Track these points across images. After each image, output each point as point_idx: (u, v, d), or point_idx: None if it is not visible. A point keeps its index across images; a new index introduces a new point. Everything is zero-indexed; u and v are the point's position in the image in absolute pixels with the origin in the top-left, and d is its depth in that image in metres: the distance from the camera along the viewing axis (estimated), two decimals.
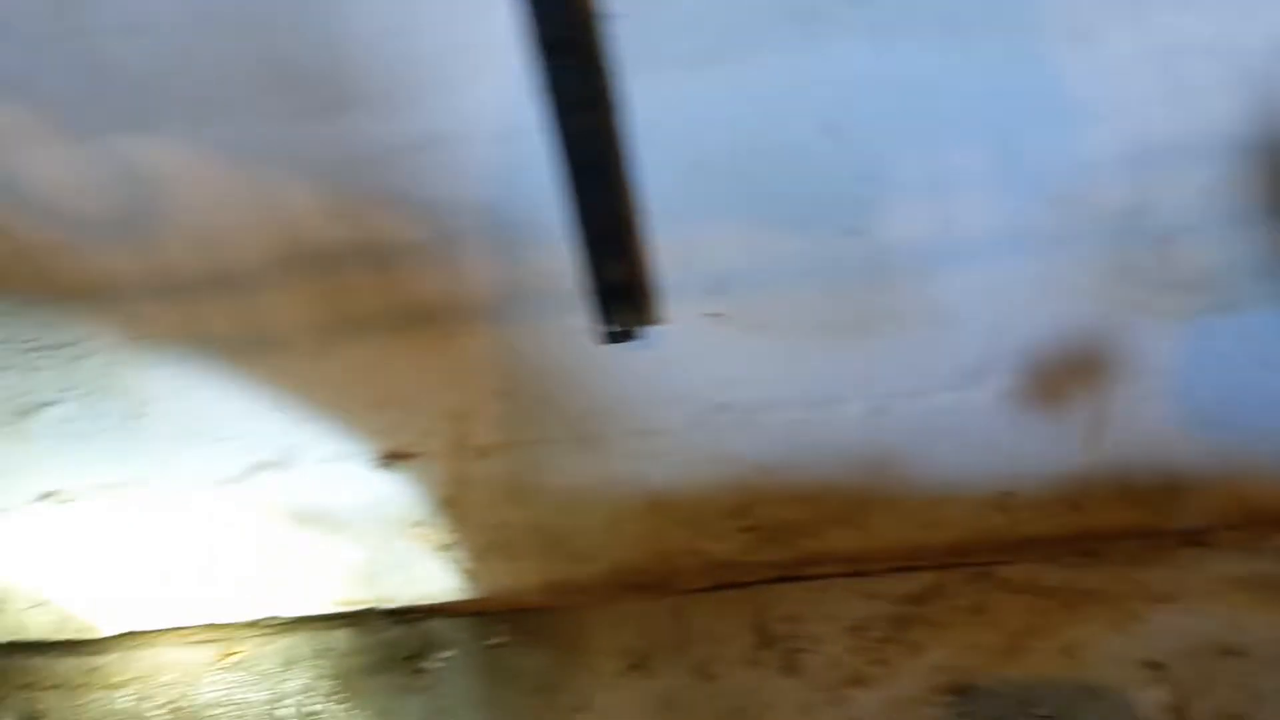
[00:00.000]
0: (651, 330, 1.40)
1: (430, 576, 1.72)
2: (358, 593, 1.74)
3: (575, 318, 1.39)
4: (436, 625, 1.72)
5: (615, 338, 1.38)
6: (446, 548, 1.68)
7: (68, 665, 1.75)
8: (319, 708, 1.63)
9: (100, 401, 1.49)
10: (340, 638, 1.72)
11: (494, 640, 1.69)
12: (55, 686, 1.72)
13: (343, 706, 1.63)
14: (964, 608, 1.62)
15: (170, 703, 1.67)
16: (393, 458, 1.57)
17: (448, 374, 1.47)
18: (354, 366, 1.46)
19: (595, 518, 1.64)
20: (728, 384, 1.48)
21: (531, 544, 1.67)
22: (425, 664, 1.67)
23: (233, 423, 1.51)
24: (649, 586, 1.70)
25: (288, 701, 1.65)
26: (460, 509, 1.63)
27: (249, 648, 1.73)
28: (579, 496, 1.62)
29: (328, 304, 1.39)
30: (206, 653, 1.73)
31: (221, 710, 1.65)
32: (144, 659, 1.74)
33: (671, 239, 1.33)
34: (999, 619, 1.60)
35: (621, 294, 1.35)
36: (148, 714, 1.67)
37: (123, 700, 1.69)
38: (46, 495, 1.60)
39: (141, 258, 1.35)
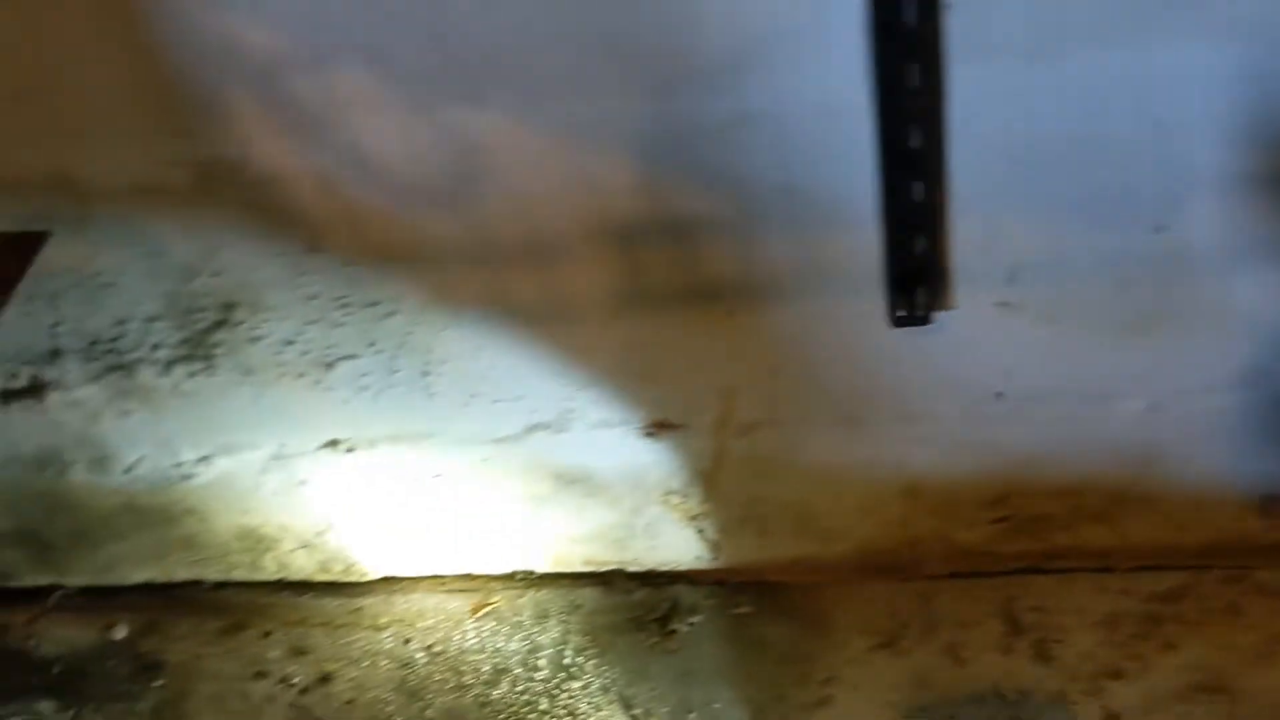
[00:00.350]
0: (941, 315, 1.42)
1: (677, 544, 1.77)
2: (607, 554, 1.81)
3: (864, 300, 1.42)
4: (681, 591, 1.78)
5: (904, 321, 1.41)
6: (696, 518, 1.74)
7: (331, 605, 1.86)
8: (573, 661, 1.71)
9: (395, 359, 1.57)
10: (589, 596, 1.80)
11: (739, 609, 1.74)
12: (321, 624, 1.83)
13: (595, 662, 1.70)
14: (1218, 609, 1.62)
15: (429, 646, 1.77)
16: (658, 428, 1.63)
17: (725, 350, 1.52)
18: (637, 338, 1.52)
19: (848, 499, 1.68)
20: (1006, 374, 1.50)
21: (781, 520, 1.72)
22: (674, 627, 1.73)
23: (517, 385, 1.59)
24: (893, 569, 1.74)
25: (543, 653, 1.73)
26: (715, 482, 1.68)
27: (502, 600, 1.81)
28: (835, 477, 1.65)
29: (622, 277, 1.45)
30: (461, 601, 1.82)
31: (480, 657, 1.74)
32: (403, 603, 1.84)
33: (972, 225, 1.35)
34: (1255, 621, 1.59)
35: (918, 278, 1.38)
36: (408, 655, 1.76)
37: (385, 641, 1.79)
38: (332, 443, 1.70)
39: (459, 225, 1.42)
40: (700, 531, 1.75)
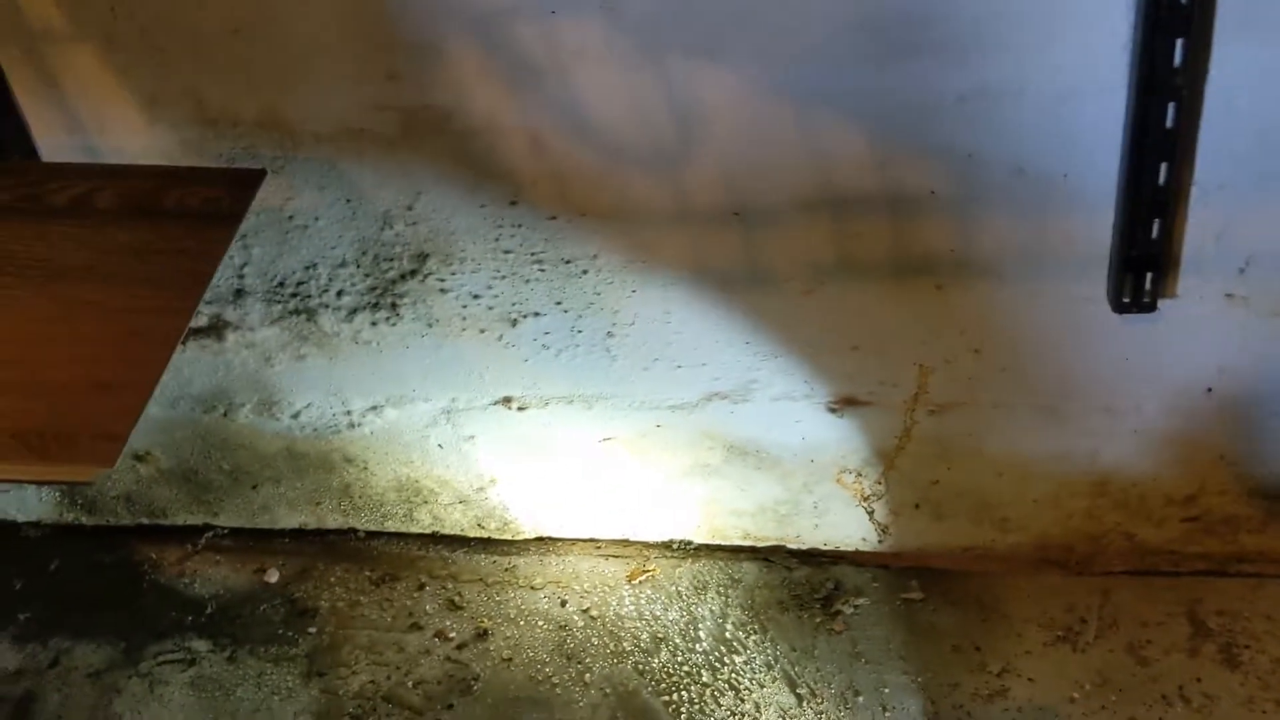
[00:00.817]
0: (1164, 304, 1.37)
1: (844, 524, 1.74)
2: (769, 529, 1.78)
3: (1085, 284, 1.38)
4: (845, 572, 1.74)
5: (1128, 307, 1.36)
6: (868, 499, 1.70)
7: (485, 562, 1.85)
8: (734, 636, 1.68)
9: (580, 318, 1.55)
10: (748, 570, 1.77)
11: (908, 594, 1.70)
12: (475, 580, 1.83)
13: (757, 638, 1.68)
14: None
15: (585, 610, 1.75)
16: (844, 403, 1.59)
17: (927, 327, 1.48)
18: (836, 310, 1.48)
19: (1032, 489, 1.63)
20: (1220, 369, 1.44)
21: (958, 506, 1.68)
22: (838, 608, 1.69)
23: (701, 352, 1.56)
24: (1070, 563, 1.69)
25: (703, 625, 1.70)
26: (895, 463, 1.64)
27: (659, 568, 1.79)
28: (1022, 466, 1.61)
29: (831, 247, 1.41)
30: (617, 567, 1.80)
31: (638, 624, 1.72)
32: (557, 565, 1.82)
33: (1212, 211, 1.29)
34: None
35: (1149, 263, 1.33)
36: (565, 617, 1.75)
37: (541, 601, 1.78)
38: (505, 400, 1.68)
39: (666, 187, 1.39)
40: (870, 513, 1.71)
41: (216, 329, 1.67)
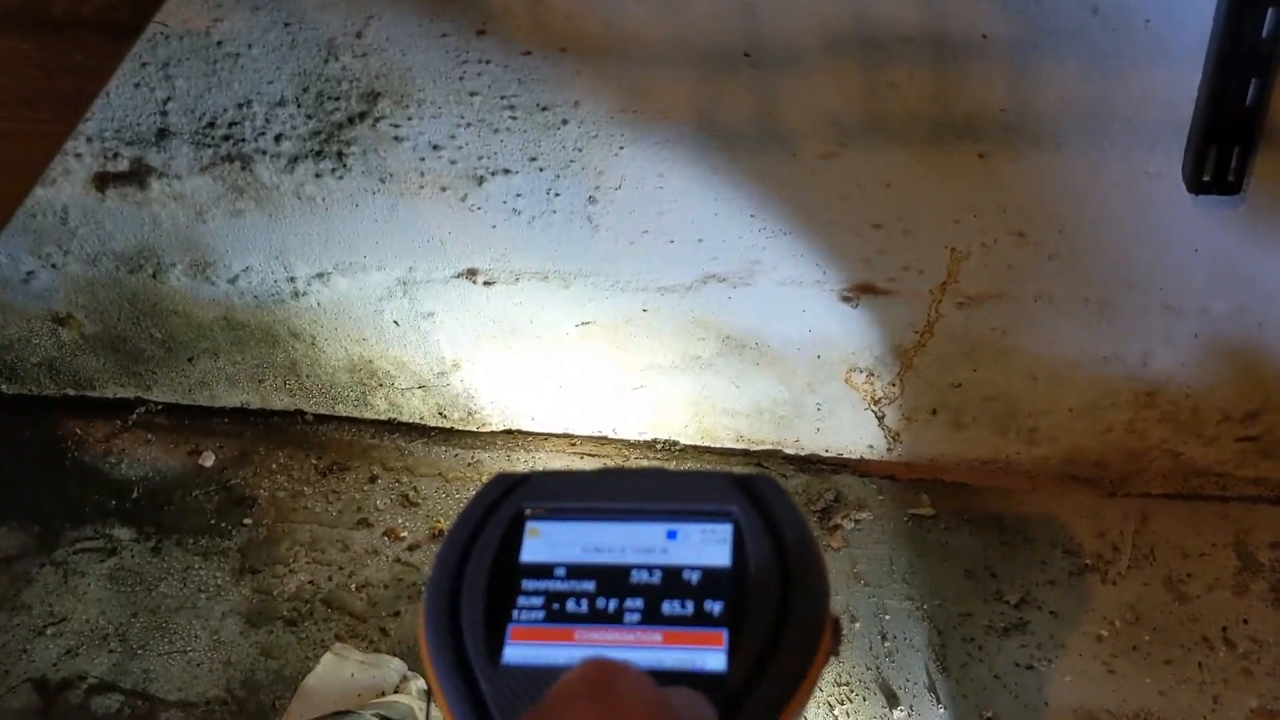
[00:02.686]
0: (1249, 186, 1.14)
1: (850, 429, 1.54)
2: (764, 432, 1.58)
3: (1158, 157, 1.15)
4: (847, 482, 1.55)
5: (1207, 187, 1.13)
6: (879, 401, 1.49)
7: (446, 455, 1.65)
8: None
9: (559, 179, 1.32)
10: None
11: (917, 510, 1.51)
12: (433, 475, 1.63)
13: None
14: None
15: None
16: (860, 291, 1.37)
17: (964, 203, 1.25)
18: (858, 179, 1.25)
19: (1069, 397, 1.42)
20: None
21: (982, 413, 1.47)
22: (838, 522, 1.50)
23: (698, 225, 1.34)
24: (1104, 482, 1.49)
25: None
26: (914, 361, 1.44)
27: None
28: (1061, 369, 1.40)
29: (861, 100, 1.18)
30: (593, 466, 1.60)
31: None
32: (527, 462, 1.63)
33: None
34: None
35: (1235, 136, 1.10)
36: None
37: None
38: (469, 273, 1.46)
39: (663, 15, 1.15)
40: (880, 418, 1.51)
41: (139, 175, 1.44)
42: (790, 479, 1.56)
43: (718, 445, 1.60)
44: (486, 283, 1.47)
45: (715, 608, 0.47)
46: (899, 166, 1.23)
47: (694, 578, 0.48)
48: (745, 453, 1.59)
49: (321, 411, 1.72)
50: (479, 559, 0.49)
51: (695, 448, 1.61)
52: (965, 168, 1.21)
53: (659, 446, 1.62)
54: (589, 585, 0.48)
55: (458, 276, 1.48)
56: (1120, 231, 1.23)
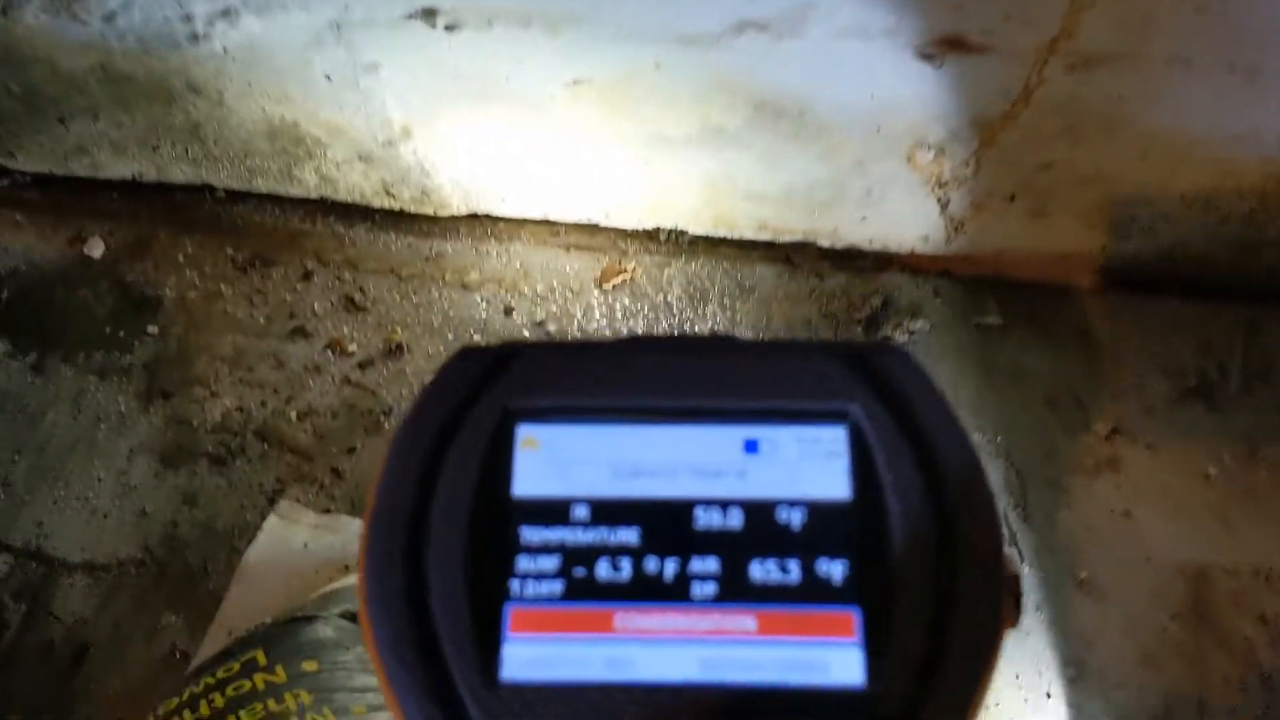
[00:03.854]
0: None
1: (902, 216, 1.25)
2: (794, 219, 1.28)
3: None
4: (897, 282, 1.27)
5: None
6: (945, 184, 1.20)
7: (398, 245, 1.33)
8: None
9: None
10: (763, 275, 1.29)
11: (982, 319, 1.24)
12: (381, 270, 1.31)
13: None
14: None
15: (541, 322, 1.27)
16: (945, 46, 1.05)
17: None
18: None
19: (1183, 180, 1.15)
20: None
21: (1072, 199, 1.19)
22: (889, 334, 1.24)
23: None
24: (1212, 286, 1.24)
25: None
26: (999, 136, 1.13)
27: (641, 267, 1.29)
28: (1179, 147, 1.11)
29: None
30: (582, 264, 1.30)
31: None
32: (500, 256, 1.32)
33: None
34: None
35: None
36: (511, 329, 1.27)
37: (476, 307, 1.28)
38: (427, 13, 1.10)
39: None
40: (944, 204, 1.22)
41: None
42: (826, 279, 1.27)
43: (735, 235, 1.30)
44: (449, 26, 1.12)
45: (836, 571, 0.30)
46: None
47: (795, 519, 0.31)
48: (770, 245, 1.30)
49: (235, 187, 1.37)
50: (447, 497, 0.31)
51: (707, 239, 1.30)
52: None
53: (662, 237, 1.31)
54: (629, 535, 0.31)
55: (410, 17, 1.11)
56: None
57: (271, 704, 0.79)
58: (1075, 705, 1.02)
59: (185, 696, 0.81)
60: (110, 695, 1.06)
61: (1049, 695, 1.03)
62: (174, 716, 0.79)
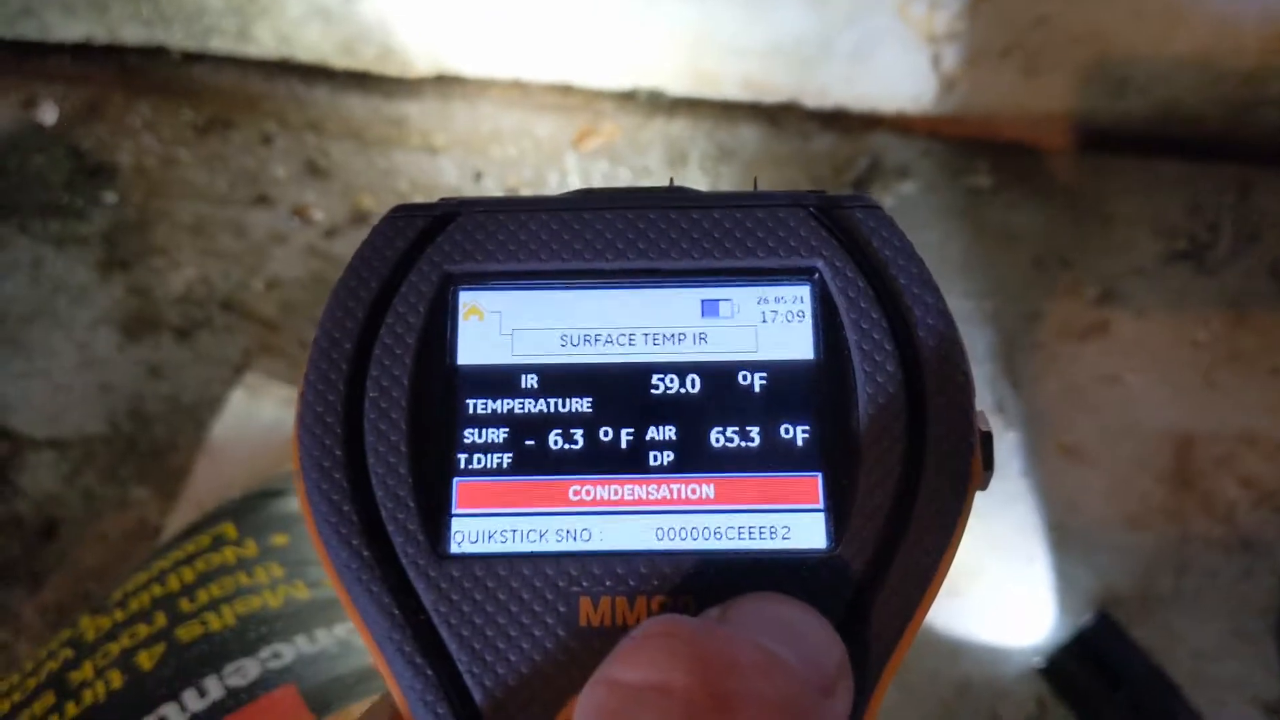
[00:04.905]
0: None
1: (892, 74, 1.20)
2: (779, 76, 1.23)
3: None
4: (886, 143, 1.23)
5: None
6: (938, 39, 1.15)
7: (361, 107, 1.27)
8: None
9: None
10: (746, 136, 1.24)
11: (972, 180, 1.20)
12: (344, 134, 1.26)
13: None
14: None
15: (513, 187, 1.22)
16: None
17: None
18: None
19: (1180, 39, 1.10)
20: None
21: (1065, 57, 1.15)
22: (875, 194, 1.20)
23: None
24: (1201, 145, 1.20)
25: None
26: None
27: (617, 128, 1.25)
28: (1176, 4, 1.06)
29: None
30: (555, 125, 1.25)
31: None
32: (468, 118, 1.26)
33: None
34: None
35: None
36: (478, 191, 1.22)
37: (443, 170, 1.23)
38: None
39: None
40: (936, 60, 1.17)
41: None
42: (812, 140, 1.23)
43: (718, 96, 1.25)
44: None
45: (799, 436, 0.29)
46: None
47: (757, 383, 0.29)
48: (754, 106, 1.25)
49: (190, 48, 1.31)
50: (385, 369, 0.29)
51: (688, 100, 1.25)
52: None
53: (640, 98, 1.26)
54: (581, 403, 0.29)
55: None
56: None
57: (243, 577, 0.78)
58: (1057, 569, 1.02)
59: (155, 571, 0.79)
60: (80, 569, 1.04)
61: (1031, 559, 1.03)
62: (143, 591, 0.77)
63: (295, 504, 0.83)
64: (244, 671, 0.68)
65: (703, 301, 0.30)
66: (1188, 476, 1.05)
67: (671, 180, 0.34)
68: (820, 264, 0.30)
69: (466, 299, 0.30)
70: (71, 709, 0.68)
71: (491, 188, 1.22)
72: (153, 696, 0.66)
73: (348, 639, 0.71)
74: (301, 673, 0.67)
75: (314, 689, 0.65)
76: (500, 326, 0.30)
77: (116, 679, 0.69)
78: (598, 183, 1.21)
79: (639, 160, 1.22)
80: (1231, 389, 1.08)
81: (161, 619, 0.72)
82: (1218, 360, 1.09)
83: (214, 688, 0.67)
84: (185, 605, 0.73)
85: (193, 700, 0.66)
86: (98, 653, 0.71)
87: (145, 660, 0.70)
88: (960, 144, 1.22)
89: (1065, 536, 1.03)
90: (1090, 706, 0.96)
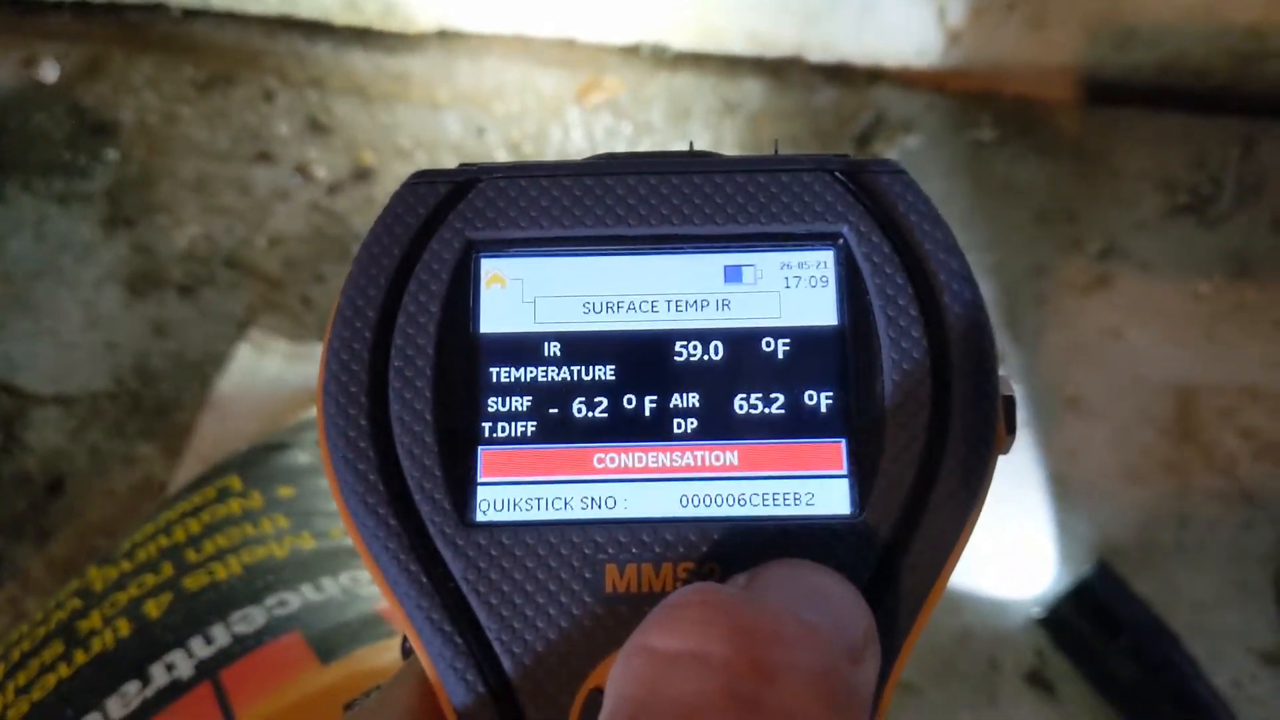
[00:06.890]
0: None
1: (897, 28, 1.19)
2: (784, 31, 1.22)
3: None
4: (890, 97, 1.22)
5: None
6: None
7: (363, 63, 1.27)
8: None
9: None
10: (751, 91, 1.24)
11: (976, 134, 1.20)
12: (347, 90, 1.26)
13: None
14: None
15: (516, 143, 1.22)
16: None
17: None
18: None
19: None
20: None
21: (1072, 11, 1.14)
22: (880, 149, 1.20)
23: None
24: (1208, 99, 1.19)
25: None
26: None
27: (621, 83, 1.24)
28: None
29: None
30: (559, 81, 1.25)
31: None
32: (471, 74, 1.26)
33: None
34: None
35: None
36: (484, 151, 1.22)
37: (448, 126, 1.23)
38: None
39: None
40: (942, 13, 1.16)
41: None
42: (817, 93, 1.22)
43: (722, 51, 1.24)
44: None
45: (823, 402, 0.29)
46: None
47: (780, 349, 0.29)
48: (758, 61, 1.24)
49: (191, 4, 1.30)
50: (408, 338, 0.29)
51: (692, 55, 1.25)
52: None
53: (643, 52, 1.25)
54: (604, 371, 0.29)
55: None
56: None
57: (249, 528, 0.78)
58: (1058, 520, 1.02)
59: (161, 523, 0.80)
60: (87, 525, 1.05)
61: (1032, 511, 1.03)
62: (150, 542, 0.78)
63: (300, 457, 0.84)
64: (250, 619, 0.68)
65: (725, 267, 0.30)
66: (1189, 429, 1.05)
67: (692, 144, 0.34)
68: (845, 229, 0.30)
69: (489, 266, 0.30)
70: (80, 656, 0.68)
71: (494, 143, 1.21)
72: (160, 644, 0.67)
73: (353, 587, 0.72)
74: (307, 619, 0.68)
75: (319, 634, 0.66)
76: (523, 294, 0.30)
77: (124, 627, 0.70)
78: (601, 139, 1.21)
79: (642, 115, 1.22)
80: (1234, 342, 1.08)
81: (168, 569, 0.73)
82: (1220, 313, 1.09)
83: (220, 635, 0.68)
84: (192, 555, 0.74)
85: (200, 647, 0.67)
86: (105, 602, 0.72)
87: (153, 609, 0.70)
88: (964, 98, 1.21)
89: (1067, 489, 1.03)
90: (1090, 657, 0.96)
